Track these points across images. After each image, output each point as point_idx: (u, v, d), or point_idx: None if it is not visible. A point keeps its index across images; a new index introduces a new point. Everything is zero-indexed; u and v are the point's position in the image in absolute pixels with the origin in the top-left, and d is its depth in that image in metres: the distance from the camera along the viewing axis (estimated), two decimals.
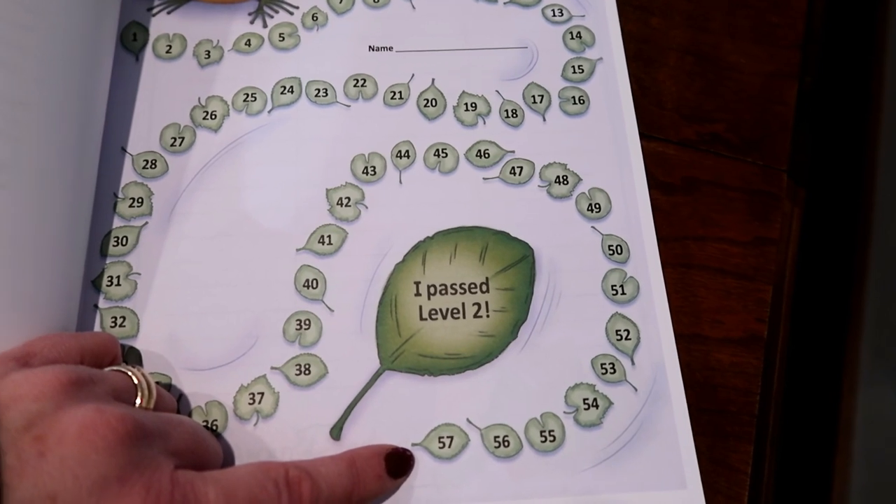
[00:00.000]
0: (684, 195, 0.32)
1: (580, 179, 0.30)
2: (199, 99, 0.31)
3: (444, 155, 0.30)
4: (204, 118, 0.30)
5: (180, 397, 0.26)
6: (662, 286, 0.29)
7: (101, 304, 0.27)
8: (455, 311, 0.28)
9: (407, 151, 0.30)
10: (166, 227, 0.29)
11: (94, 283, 0.28)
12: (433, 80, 0.32)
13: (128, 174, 0.29)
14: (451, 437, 0.26)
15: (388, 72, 0.32)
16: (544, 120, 0.31)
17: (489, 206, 0.29)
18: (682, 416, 0.27)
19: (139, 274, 0.28)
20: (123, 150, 0.30)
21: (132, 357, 0.27)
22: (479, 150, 0.30)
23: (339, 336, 0.27)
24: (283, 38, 0.32)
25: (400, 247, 0.29)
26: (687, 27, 0.36)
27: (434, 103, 0.31)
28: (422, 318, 0.28)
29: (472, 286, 0.28)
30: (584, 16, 0.33)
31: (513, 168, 0.30)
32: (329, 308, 0.28)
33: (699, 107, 0.34)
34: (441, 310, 0.28)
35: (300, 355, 0.27)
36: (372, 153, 0.30)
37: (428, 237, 0.29)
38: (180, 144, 0.30)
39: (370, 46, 0.32)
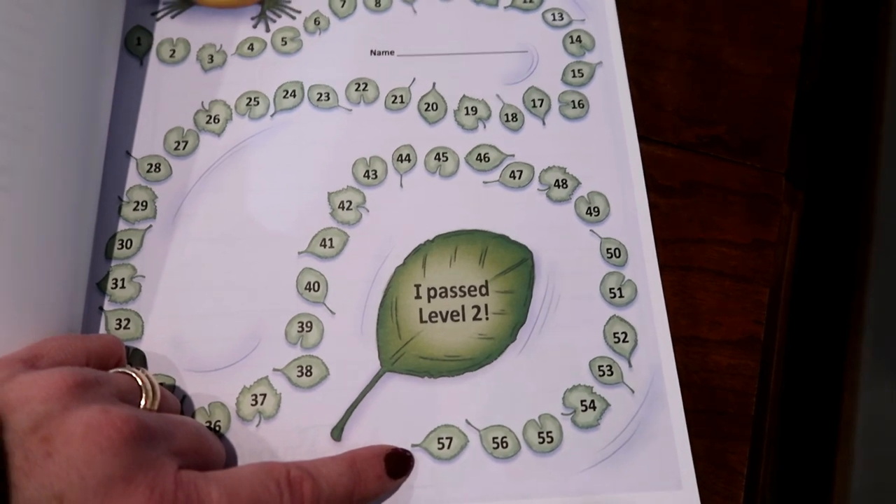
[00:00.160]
0: (684, 198, 0.32)
1: (579, 183, 0.30)
2: (202, 103, 0.31)
3: (444, 159, 0.31)
4: (207, 122, 0.31)
5: (184, 398, 0.27)
6: (660, 289, 0.29)
7: (106, 306, 0.28)
8: (455, 313, 0.28)
9: (408, 155, 0.31)
10: (170, 230, 0.29)
11: (99, 286, 0.28)
12: (434, 84, 0.32)
13: (132, 178, 0.30)
14: (451, 438, 0.26)
15: (389, 76, 0.32)
16: (544, 124, 0.31)
17: (489, 209, 0.30)
18: (678, 418, 0.27)
19: (143, 276, 0.28)
20: (128, 153, 0.30)
21: (137, 358, 0.27)
22: (480, 154, 0.31)
23: (341, 338, 0.28)
24: (286, 43, 0.32)
25: (401, 250, 0.29)
26: (687, 30, 0.36)
27: (435, 107, 0.31)
28: (422, 321, 0.28)
29: (472, 289, 0.28)
30: (584, 20, 0.33)
31: (512, 172, 0.30)
32: (330, 310, 0.28)
33: (699, 110, 0.34)
34: (441, 312, 0.28)
35: (302, 357, 0.27)
36: (373, 157, 0.30)
37: (428, 240, 0.29)
38: (184, 148, 0.30)
39: (372, 51, 0.32)
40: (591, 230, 0.30)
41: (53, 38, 0.26)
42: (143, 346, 0.27)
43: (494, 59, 0.32)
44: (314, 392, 0.27)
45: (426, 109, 0.31)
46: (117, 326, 0.27)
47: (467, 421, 0.27)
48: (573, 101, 0.32)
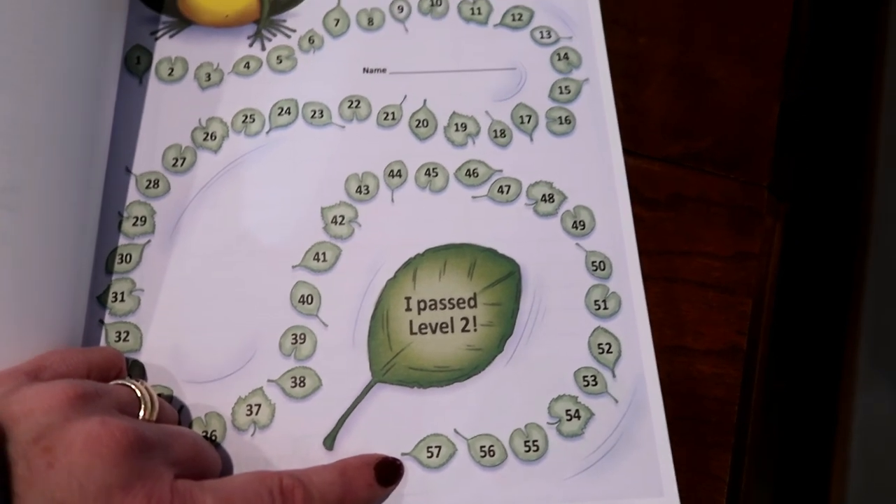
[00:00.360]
0: (669, 211, 0.33)
1: (565, 197, 0.31)
2: (199, 120, 0.32)
3: (434, 174, 0.31)
4: (204, 139, 0.32)
5: (181, 409, 0.27)
6: (643, 301, 0.30)
7: (107, 319, 0.29)
8: (444, 325, 0.29)
9: (399, 171, 0.31)
10: (168, 244, 0.30)
11: (99, 299, 0.29)
12: (425, 100, 0.33)
13: (132, 194, 0.31)
14: (440, 447, 0.27)
15: (381, 93, 0.33)
16: (531, 140, 0.32)
17: (477, 223, 0.31)
18: (660, 427, 0.28)
19: (142, 290, 0.29)
20: (128, 170, 0.31)
21: (136, 370, 0.28)
22: (469, 170, 0.31)
23: (333, 350, 0.28)
24: (281, 61, 0.33)
25: (392, 263, 0.30)
26: (673, 45, 0.37)
27: (426, 124, 0.32)
28: (412, 333, 0.29)
29: (461, 301, 0.29)
30: (571, 37, 0.34)
31: (500, 187, 0.31)
32: (323, 323, 0.29)
33: (684, 124, 0.35)
34: (431, 324, 0.29)
35: (295, 368, 0.28)
36: (365, 173, 0.31)
37: (419, 254, 0.30)
38: (182, 165, 0.31)
39: (364, 68, 0.33)
40: (576, 243, 0.30)
41: (58, 59, 0.27)
42: (142, 357, 0.28)
43: (484, 77, 0.33)
44: (307, 402, 0.28)
45: (417, 126, 0.32)
46: (117, 339, 0.28)
47: (456, 430, 0.27)
48: (560, 118, 0.33)
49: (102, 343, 0.28)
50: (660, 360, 0.30)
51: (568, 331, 0.29)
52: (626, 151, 0.33)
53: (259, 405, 0.27)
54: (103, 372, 0.25)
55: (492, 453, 0.27)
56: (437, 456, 0.27)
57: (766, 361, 0.33)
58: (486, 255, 0.30)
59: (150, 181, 0.31)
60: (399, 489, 0.26)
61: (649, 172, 0.34)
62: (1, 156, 0.25)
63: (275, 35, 0.34)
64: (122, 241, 0.30)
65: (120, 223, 0.30)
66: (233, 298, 0.29)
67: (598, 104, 0.33)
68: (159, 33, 0.34)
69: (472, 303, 0.29)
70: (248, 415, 0.27)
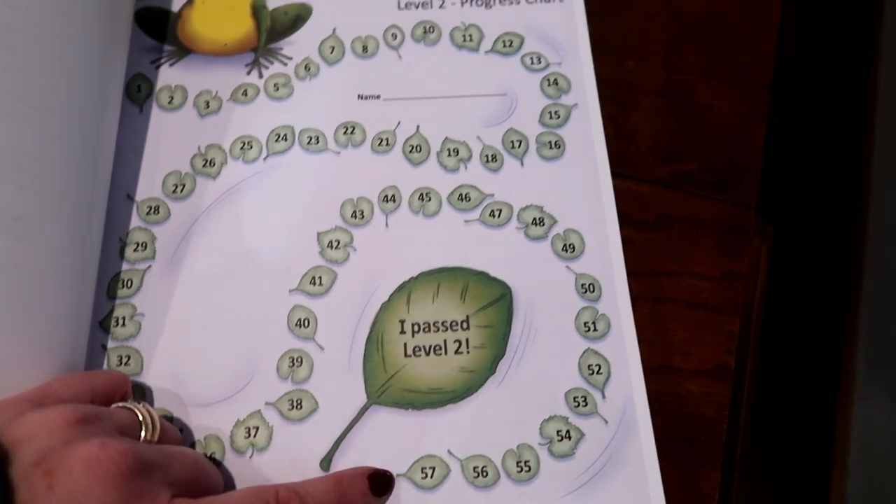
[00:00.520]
0: (657, 232, 0.34)
1: (555, 221, 0.32)
2: (199, 147, 0.33)
3: (427, 199, 0.32)
4: (203, 166, 0.32)
5: (181, 431, 0.28)
6: (632, 323, 0.30)
7: (109, 344, 0.29)
8: (437, 347, 0.30)
9: (393, 196, 0.32)
10: (168, 269, 0.31)
11: (101, 324, 0.30)
12: (418, 126, 0.34)
13: (133, 220, 0.31)
14: (434, 468, 0.28)
15: (375, 119, 0.34)
16: (522, 164, 0.33)
17: (470, 247, 0.31)
18: (649, 447, 0.28)
19: (143, 315, 0.30)
20: (129, 197, 0.32)
21: (138, 392, 0.29)
22: (461, 194, 0.32)
23: (329, 372, 0.29)
24: (278, 88, 0.34)
25: (386, 287, 0.31)
26: (661, 69, 0.37)
27: (419, 149, 0.33)
28: (406, 355, 0.29)
29: (454, 324, 0.30)
30: (560, 63, 0.35)
31: (492, 211, 0.32)
32: (320, 346, 0.30)
33: (673, 146, 0.36)
34: (424, 347, 0.30)
35: (293, 391, 0.29)
36: (360, 198, 0.32)
37: (412, 277, 0.31)
38: (181, 191, 0.32)
39: (359, 95, 0.34)
40: (566, 266, 0.31)
41: (67, 92, 0.28)
42: (142, 381, 0.29)
43: (475, 102, 0.34)
44: (304, 425, 0.28)
45: (410, 151, 0.33)
46: (119, 363, 0.29)
47: (449, 451, 0.28)
48: (550, 142, 0.33)
49: (104, 368, 0.29)
50: (649, 379, 0.30)
51: (558, 352, 0.30)
52: (616, 174, 0.34)
53: (257, 427, 0.28)
54: (107, 395, 0.26)
55: (485, 474, 0.28)
56: (432, 477, 0.28)
57: (754, 379, 0.33)
58: (478, 279, 0.31)
59: (150, 207, 0.32)
60: None
61: (638, 194, 0.35)
62: (14, 186, 0.26)
63: (272, 63, 0.35)
64: (123, 266, 0.31)
65: (121, 249, 0.31)
66: (231, 322, 0.30)
67: (587, 128, 0.34)
68: (160, 62, 0.35)
69: (464, 325, 0.30)
70: (246, 437, 0.28)
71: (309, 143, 0.33)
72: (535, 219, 0.32)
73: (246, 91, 0.34)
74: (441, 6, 0.36)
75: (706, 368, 0.32)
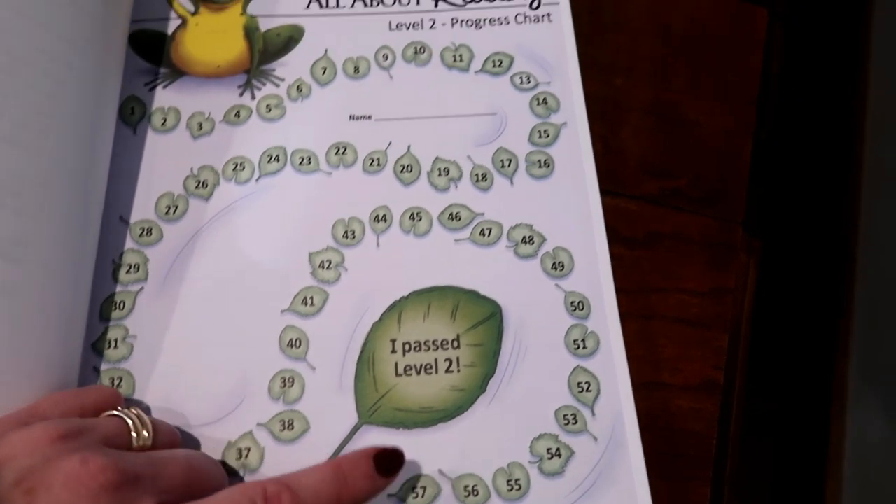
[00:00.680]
0: (646, 249, 0.34)
1: (545, 239, 0.32)
2: (191, 169, 0.33)
3: (418, 218, 0.33)
4: (196, 187, 0.33)
5: None
6: (621, 341, 0.31)
7: (101, 366, 0.29)
8: (428, 366, 0.30)
9: (384, 215, 0.33)
10: (160, 291, 0.31)
11: (94, 347, 0.30)
12: (409, 146, 0.34)
13: (126, 242, 0.32)
14: (425, 488, 0.28)
15: (367, 140, 0.34)
16: (512, 183, 0.33)
17: (460, 266, 0.32)
18: (638, 464, 0.29)
19: (135, 336, 0.30)
20: (122, 218, 0.32)
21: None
22: (451, 213, 0.33)
23: (321, 392, 0.29)
24: (270, 109, 0.35)
25: (377, 306, 0.31)
26: (649, 87, 0.38)
27: (410, 169, 0.33)
28: (397, 374, 0.30)
29: (444, 343, 0.30)
30: (549, 83, 0.36)
31: (482, 230, 0.32)
32: (311, 366, 0.30)
33: (661, 163, 0.36)
34: (415, 366, 0.30)
35: (284, 412, 0.29)
36: (352, 218, 0.32)
37: (403, 297, 0.31)
38: (174, 213, 0.32)
39: (351, 116, 0.35)
40: (556, 284, 0.31)
41: (63, 116, 0.28)
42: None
43: (465, 122, 0.34)
44: (296, 445, 0.28)
45: (401, 171, 0.33)
46: (111, 385, 0.29)
47: (440, 470, 0.28)
48: (539, 161, 0.34)
49: None
50: (638, 395, 0.31)
51: (548, 370, 0.30)
52: (605, 191, 0.34)
53: (249, 449, 0.28)
54: (98, 412, 0.26)
55: (475, 493, 0.28)
56: (423, 496, 0.28)
57: (743, 394, 0.34)
58: (468, 297, 0.31)
59: (143, 229, 0.32)
60: None
61: (627, 211, 0.35)
62: (12, 211, 0.26)
63: (264, 84, 0.35)
64: (116, 288, 0.31)
65: (114, 271, 0.31)
66: (223, 343, 0.30)
67: (576, 147, 0.34)
68: (153, 84, 0.35)
69: (455, 344, 0.30)
70: (238, 458, 0.28)
71: (301, 163, 0.33)
72: (524, 237, 0.32)
73: (238, 112, 0.34)
74: (432, 27, 0.37)
75: (695, 384, 0.32)
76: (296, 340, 0.30)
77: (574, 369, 0.30)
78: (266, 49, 0.36)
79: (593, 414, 0.29)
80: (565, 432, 0.29)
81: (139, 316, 0.30)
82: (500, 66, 0.36)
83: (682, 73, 0.38)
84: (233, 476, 0.28)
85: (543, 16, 0.37)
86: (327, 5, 0.37)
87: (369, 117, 0.35)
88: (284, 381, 0.29)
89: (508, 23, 0.37)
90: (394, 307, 0.31)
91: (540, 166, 0.34)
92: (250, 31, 0.36)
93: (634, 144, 0.36)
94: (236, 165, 0.33)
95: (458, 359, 0.30)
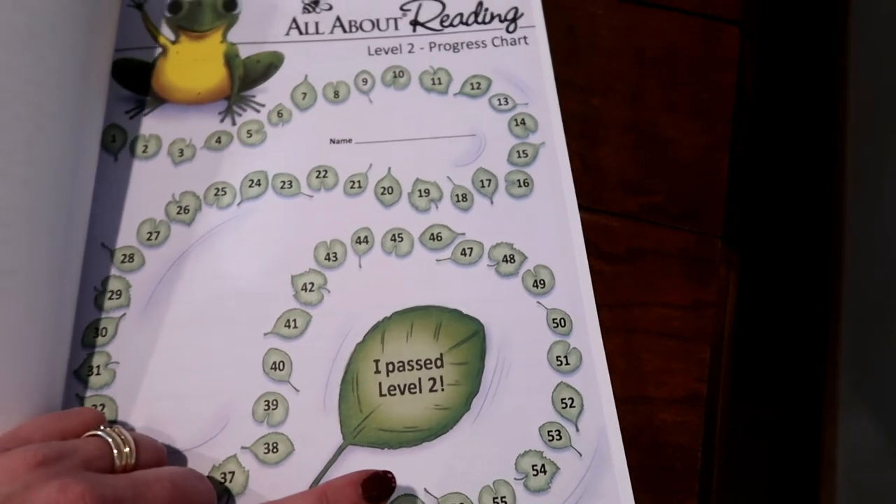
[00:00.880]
0: (627, 264, 0.35)
1: (526, 257, 0.33)
2: (173, 195, 0.33)
3: (400, 239, 0.33)
4: (178, 213, 0.33)
5: None
6: (603, 356, 0.31)
7: (83, 393, 0.29)
8: (412, 386, 0.30)
9: (366, 237, 0.33)
10: (143, 316, 0.31)
11: (76, 374, 0.30)
12: (389, 168, 0.34)
13: (108, 268, 0.32)
14: None
15: (347, 162, 0.34)
16: (492, 203, 0.34)
17: (442, 285, 0.32)
18: (623, 478, 0.29)
19: (118, 363, 0.30)
20: (104, 245, 0.32)
21: None
22: (433, 234, 0.33)
23: (305, 414, 0.29)
24: (251, 135, 0.35)
25: (360, 327, 0.31)
26: (626, 106, 0.39)
27: (390, 191, 0.34)
28: (381, 395, 0.30)
29: (428, 362, 0.30)
30: (527, 104, 0.36)
31: (463, 249, 0.33)
32: (295, 388, 0.30)
33: (640, 180, 0.37)
34: (399, 385, 0.30)
35: (268, 434, 0.29)
36: (333, 240, 0.33)
37: (386, 317, 0.31)
38: (156, 238, 0.32)
39: (331, 139, 0.35)
40: (537, 302, 0.32)
41: (50, 147, 0.29)
42: None
43: (445, 144, 0.35)
44: (280, 468, 0.28)
45: (382, 193, 0.34)
46: None
47: (426, 489, 0.28)
48: (518, 181, 0.34)
49: None
50: (623, 410, 0.31)
51: (532, 387, 0.30)
52: (585, 208, 0.35)
53: (233, 472, 0.28)
54: (80, 435, 0.26)
55: None
56: None
57: (727, 406, 0.34)
58: (451, 316, 0.31)
59: (125, 256, 0.32)
60: None
61: (607, 228, 0.35)
62: (2, 242, 0.26)
63: (245, 110, 0.35)
64: (98, 314, 0.31)
65: (96, 297, 0.31)
66: (206, 367, 0.30)
67: (555, 166, 0.35)
68: (134, 112, 0.35)
69: (438, 363, 0.30)
70: (222, 482, 0.28)
71: (282, 187, 0.34)
72: (505, 256, 0.33)
73: (219, 138, 0.35)
74: (410, 51, 0.37)
75: (679, 397, 0.32)
76: (279, 363, 0.30)
77: (557, 385, 0.30)
78: (246, 76, 0.36)
79: (577, 429, 0.29)
80: (550, 448, 0.29)
81: (122, 342, 0.30)
82: (478, 88, 0.36)
83: (658, 92, 0.39)
84: (217, 500, 0.28)
85: (520, 38, 0.38)
86: (307, 32, 0.37)
87: (349, 140, 0.35)
88: (268, 403, 0.29)
89: (486, 46, 0.37)
90: (377, 328, 0.31)
91: (519, 186, 0.34)
92: (230, 59, 0.37)
93: (613, 162, 0.37)
94: (218, 190, 0.34)
95: (441, 378, 0.30)
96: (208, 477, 0.28)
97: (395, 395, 0.30)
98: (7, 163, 0.27)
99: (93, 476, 0.23)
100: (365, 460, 0.29)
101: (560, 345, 0.31)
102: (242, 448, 0.29)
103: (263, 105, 0.36)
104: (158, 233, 0.33)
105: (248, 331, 0.31)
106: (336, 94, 0.36)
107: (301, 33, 0.37)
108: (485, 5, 0.38)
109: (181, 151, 0.34)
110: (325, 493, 0.25)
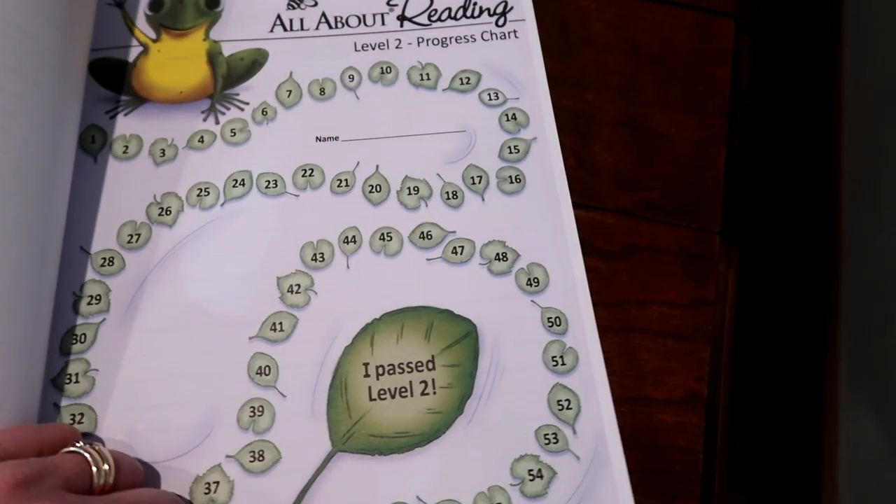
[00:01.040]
0: (623, 261, 0.34)
1: (519, 255, 0.32)
2: (154, 196, 0.32)
3: (388, 238, 0.32)
4: (159, 214, 0.32)
5: None
6: (600, 356, 0.30)
7: (61, 402, 0.28)
8: (403, 389, 0.29)
9: (354, 237, 0.32)
10: (123, 322, 0.30)
11: (53, 382, 0.29)
12: (377, 166, 0.33)
13: (86, 273, 0.31)
14: None
15: (334, 161, 0.33)
16: (483, 200, 0.33)
17: (433, 285, 0.31)
18: (623, 482, 0.28)
19: (97, 370, 0.29)
20: (82, 249, 0.31)
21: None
22: (422, 232, 0.32)
23: (292, 421, 0.28)
24: (235, 134, 0.34)
25: (349, 330, 0.30)
26: (620, 100, 0.38)
27: (378, 189, 0.33)
28: (371, 399, 0.29)
29: (419, 364, 0.29)
30: (518, 98, 0.35)
31: (454, 248, 0.32)
32: (281, 394, 0.29)
33: (635, 175, 0.36)
34: (389, 389, 0.29)
35: (254, 442, 0.28)
36: (320, 240, 0.32)
37: (375, 319, 0.30)
38: (137, 241, 0.31)
39: (317, 137, 0.34)
40: (531, 300, 0.31)
41: (22, 151, 0.28)
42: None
43: (434, 140, 0.34)
44: (266, 476, 0.27)
45: (370, 191, 0.33)
46: (71, 421, 0.28)
47: (418, 497, 0.27)
48: (510, 177, 0.33)
49: None
50: (622, 411, 0.30)
51: (527, 389, 0.29)
52: (579, 205, 0.34)
53: (217, 482, 0.27)
54: (57, 449, 0.25)
55: None
56: None
57: (728, 406, 0.33)
58: (442, 317, 0.30)
59: (105, 259, 0.31)
60: None
61: (602, 224, 0.34)
62: None
63: (228, 109, 0.35)
64: (76, 321, 0.30)
65: (75, 303, 0.30)
66: (189, 374, 0.29)
67: (547, 162, 0.34)
68: (114, 112, 0.34)
69: (430, 365, 0.29)
70: (206, 493, 0.27)
71: (267, 186, 0.33)
72: (498, 254, 0.32)
73: (202, 138, 0.34)
74: (398, 47, 0.36)
75: (678, 397, 0.31)
76: (265, 368, 0.29)
77: (553, 387, 0.29)
78: (229, 74, 0.35)
79: (575, 432, 0.28)
80: (546, 452, 0.28)
81: (101, 348, 0.29)
82: (467, 83, 0.36)
83: (652, 86, 0.38)
84: None
85: (510, 32, 0.37)
86: (291, 28, 0.36)
87: (336, 138, 0.34)
88: (254, 410, 0.28)
89: (475, 40, 0.37)
90: (366, 330, 0.30)
91: (511, 182, 0.33)
92: (213, 56, 0.36)
93: (607, 158, 0.36)
94: (200, 191, 0.32)
95: (433, 380, 0.29)
96: (190, 490, 0.27)
97: (385, 399, 0.29)
98: None
99: (73, 498, 0.22)
100: (355, 467, 0.28)
101: (555, 344, 0.30)
102: (227, 457, 0.28)
103: (247, 103, 0.35)
104: (139, 235, 0.31)
105: (233, 335, 0.30)
106: (322, 91, 0.35)
107: (286, 30, 0.36)
108: None
109: (163, 151, 0.33)
110: None
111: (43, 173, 0.29)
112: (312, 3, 0.37)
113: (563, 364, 0.30)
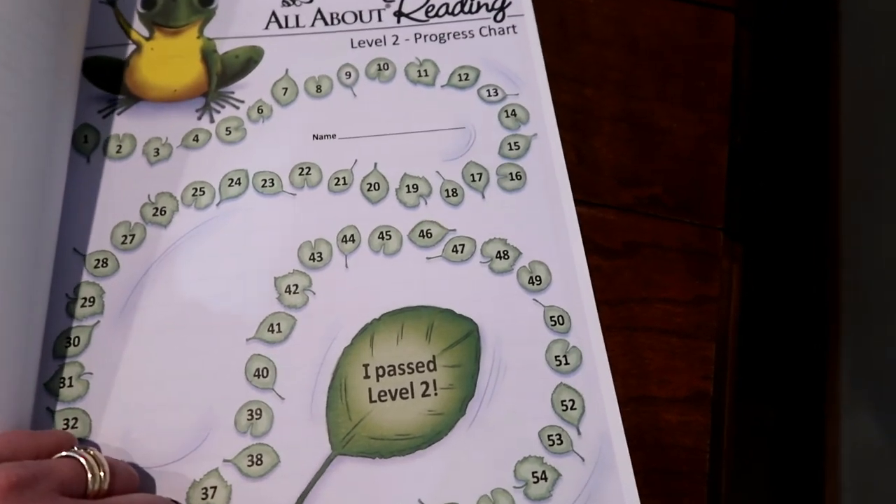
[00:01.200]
0: (626, 258, 0.33)
1: (520, 253, 0.31)
2: (148, 196, 0.32)
3: (387, 237, 0.31)
4: (154, 214, 0.31)
5: None
6: (604, 354, 0.29)
7: (54, 406, 0.28)
8: (404, 391, 0.28)
9: (352, 236, 0.31)
10: (118, 324, 0.29)
11: (47, 387, 0.28)
12: (375, 164, 0.33)
13: (80, 274, 0.30)
14: None
15: (331, 159, 0.33)
16: (483, 197, 0.32)
17: (433, 284, 0.30)
18: (628, 483, 0.27)
19: (91, 373, 0.28)
20: (76, 250, 0.31)
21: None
22: (422, 231, 0.31)
23: (291, 424, 0.28)
24: (230, 132, 0.33)
25: (348, 330, 0.29)
26: (620, 96, 0.37)
27: (377, 187, 0.32)
28: (371, 401, 0.28)
29: (420, 365, 0.29)
30: (517, 94, 0.35)
31: (455, 246, 0.31)
32: (280, 396, 0.28)
33: (636, 172, 0.35)
34: (390, 391, 0.28)
35: (252, 446, 0.27)
36: (318, 239, 0.31)
37: (375, 319, 0.30)
38: (131, 242, 0.31)
39: (314, 135, 0.33)
40: (534, 299, 0.30)
41: (15, 152, 0.27)
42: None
43: (433, 137, 0.33)
44: (265, 481, 0.27)
45: (368, 189, 0.32)
46: (65, 426, 0.27)
47: (420, 500, 0.27)
48: (511, 174, 0.33)
49: None
50: (626, 411, 0.29)
51: (530, 389, 0.29)
52: (581, 201, 0.33)
53: (215, 488, 0.27)
54: (52, 455, 0.24)
55: None
56: None
57: (733, 404, 0.32)
58: (443, 316, 0.30)
59: (98, 261, 0.30)
60: None
61: (604, 221, 0.34)
62: None
63: (223, 107, 0.34)
64: (70, 323, 0.29)
65: (69, 305, 0.29)
66: (185, 376, 0.28)
67: (548, 158, 0.33)
68: (107, 111, 0.34)
69: (431, 366, 0.29)
70: (203, 498, 0.26)
71: (263, 185, 0.32)
72: (499, 252, 0.31)
73: (197, 136, 0.33)
74: (395, 43, 0.36)
75: (683, 396, 0.31)
76: (263, 370, 0.29)
77: (557, 387, 0.29)
78: (224, 71, 0.35)
79: (579, 433, 0.28)
80: (550, 454, 0.28)
81: (95, 351, 0.29)
82: (466, 79, 0.35)
83: (652, 82, 0.38)
84: None
85: (508, 28, 0.36)
86: (287, 25, 0.36)
87: (333, 136, 0.33)
88: (252, 413, 0.28)
89: (473, 36, 0.36)
90: (365, 330, 0.29)
91: (512, 179, 0.33)
92: (207, 54, 0.35)
93: (608, 153, 0.36)
94: (196, 191, 0.32)
95: (434, 381, 0.29)
96: (187, 495, 0.26)
97: (385, 400, 0.28)
98: None
99: (69, 501, 0.22)
100: (355, 471, 0.27)
101: (559, 344, 0.29)
102: (224, 461, 0.27)
103: (243, 101, 0.34)
104: (133, 236, 0.31)
105: (229, 336, 0.29)
106: (318, 88, 0.35)
107: (281, 27, 0.36)
108: None
109: (157, 151, 0.33)
110: None
111: (37, 174, 0.28)
112: None
113: (567, 363, 0.29)
